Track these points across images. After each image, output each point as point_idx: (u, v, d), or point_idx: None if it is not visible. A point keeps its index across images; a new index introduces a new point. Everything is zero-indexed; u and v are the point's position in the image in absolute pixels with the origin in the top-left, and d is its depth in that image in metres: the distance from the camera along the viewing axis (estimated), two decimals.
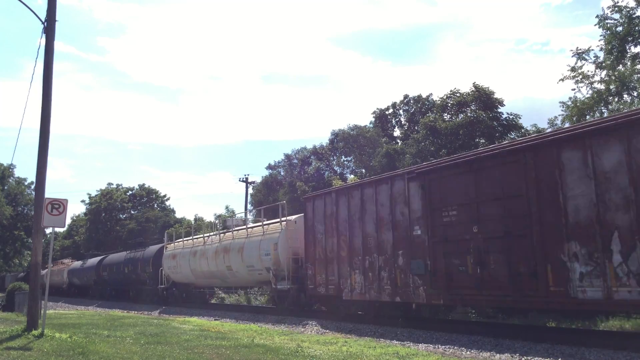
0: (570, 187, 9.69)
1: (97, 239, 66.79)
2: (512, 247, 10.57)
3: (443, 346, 10.52)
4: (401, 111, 48.48)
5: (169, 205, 74.51)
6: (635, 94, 22.72)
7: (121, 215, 70.99)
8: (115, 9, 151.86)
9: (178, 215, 72.44)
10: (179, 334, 12.68)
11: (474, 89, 27.74)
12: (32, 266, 12.80)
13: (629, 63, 22.50)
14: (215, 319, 18.82)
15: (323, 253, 15.98)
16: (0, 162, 71.61)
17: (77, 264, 45.11)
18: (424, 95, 45.59)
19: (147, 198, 73.55)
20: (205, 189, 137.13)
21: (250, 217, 25.08)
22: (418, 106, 45.58)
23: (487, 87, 27.55)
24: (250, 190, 47.74)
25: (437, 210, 12.31)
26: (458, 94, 28.67)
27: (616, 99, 22.99)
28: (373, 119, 48.91)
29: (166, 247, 28.51)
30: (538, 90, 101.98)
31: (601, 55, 23.30)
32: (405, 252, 13.04)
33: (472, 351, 9.88)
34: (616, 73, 22.61)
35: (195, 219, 62.73)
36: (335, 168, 47.35)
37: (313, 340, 11.47)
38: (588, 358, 8.64)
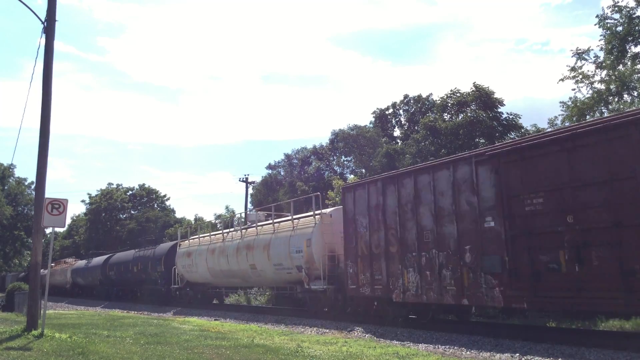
0: None
1: (97, 239, 66.83)
2: (622, 240, 8.88)
3: (443, 346, 10.53)
4: (401, 111, 48.57)
5: (169, 205, 74.76)
6: (635, 93, 22.74)
7: (121, 215, 71.04)
8: (115, 9, 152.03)
9: (178, 215, 72.92)
10: (178, 334, 12.70)
11: (474, 88, 27.68)
12: (32, 266, 12.82)
13: (629, 63, 22.53)
14: (215, 319, 18.81)
15: (367, 249, 14.24)
16: (0, 162, 71.84)
17: (81, 263, 43.48)
18: (424, 95, 45.70)
19: (147, 198, 73.61)
20: (205, 189, 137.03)
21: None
22: (418, 106, 45.62)
23: (487, 87, 27.50)
24: (250, 190, 47.76)
25: (516, 198, 10.53)
26: (458, 94, 28.62)
27: (616, 99, 23.01)
28: (373, 119, 49.09)
29: (180, 244, 26.46)
30: (538, 90, 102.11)
31: (601, 55, 23.38)
32: (474, 247, 11.30)
33: (472, 351, 9.89)
34: (616, 73, 22.63)
35: (196, 219, 62.84)
36: (335, 168, 47.42)
37: (313, 340, 11.48)
38: (588, 358, 8.64)
